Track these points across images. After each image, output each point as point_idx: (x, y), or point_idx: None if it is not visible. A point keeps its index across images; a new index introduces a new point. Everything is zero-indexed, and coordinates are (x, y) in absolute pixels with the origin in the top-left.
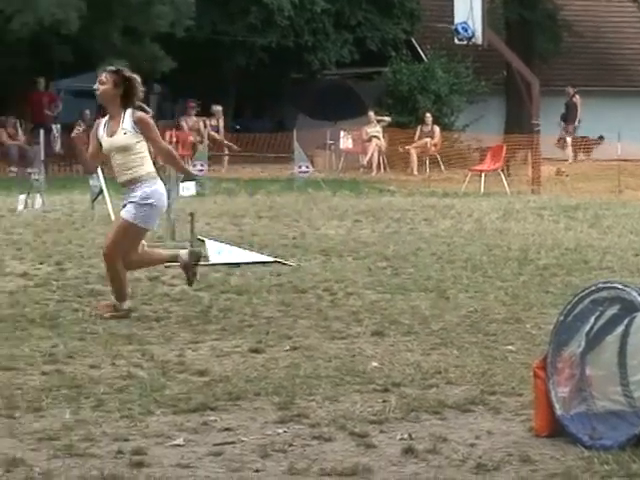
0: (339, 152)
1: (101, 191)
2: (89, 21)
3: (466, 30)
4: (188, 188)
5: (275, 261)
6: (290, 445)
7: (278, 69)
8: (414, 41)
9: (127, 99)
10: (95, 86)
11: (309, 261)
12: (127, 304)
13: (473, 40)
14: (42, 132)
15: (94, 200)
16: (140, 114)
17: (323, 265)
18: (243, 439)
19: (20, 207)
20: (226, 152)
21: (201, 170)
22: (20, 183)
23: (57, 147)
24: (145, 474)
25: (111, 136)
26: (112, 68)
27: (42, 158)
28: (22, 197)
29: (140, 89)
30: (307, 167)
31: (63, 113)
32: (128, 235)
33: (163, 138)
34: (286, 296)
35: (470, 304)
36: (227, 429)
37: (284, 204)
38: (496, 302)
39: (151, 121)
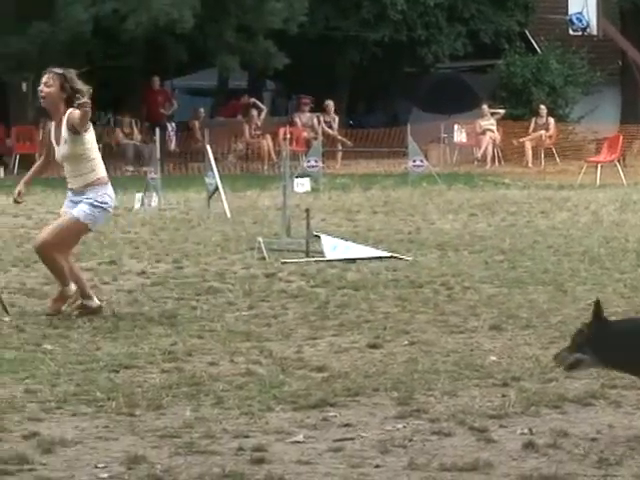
0: (453, 146)
1: (217, 188)
2: (203, 19)
3: (580, 21)
4: (302, 184)
5: (391, 256)
6: (410, 440)
7: (391, 63)
8: (528, 33)
9: (69, 103)
10: (40, 88)
11: (425, 255)
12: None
13: (588, 31)
14: (158, 131)
15: (210, 198)
16: (71, 112)
17: (439, 259)
18: (363, 435)
19: (137, 205)
20: (340, 148)
21: (315, 166)
22: (136, 182)
23: (172, 145)
24: (266, 470)
25: (58, 144)
26: (58, 70)
27: (158, 157)
28: (139, 196)
29: (85, 88)
30: (421, 161)
31: (178, 111)
32: (72, 232)
33: (276, 134)
34: (403, 291)
35: (588, 297)
36: (346, 425)
37: (399, 199)
38: (615, 295)
39: (78, 114)
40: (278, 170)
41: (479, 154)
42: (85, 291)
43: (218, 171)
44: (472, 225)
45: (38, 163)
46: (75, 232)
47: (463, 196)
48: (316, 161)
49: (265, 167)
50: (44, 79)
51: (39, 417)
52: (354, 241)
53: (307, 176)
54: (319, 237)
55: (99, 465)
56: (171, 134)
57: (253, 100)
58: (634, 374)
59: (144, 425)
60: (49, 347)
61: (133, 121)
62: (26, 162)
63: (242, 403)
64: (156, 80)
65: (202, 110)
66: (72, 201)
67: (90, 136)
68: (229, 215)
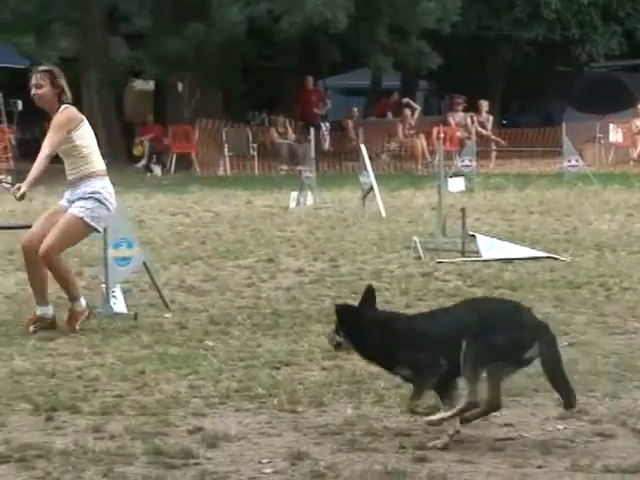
0: (609, 145)
1: (371, 188)
2: (356, 19)
3: None
4: (457, 184)
5: (548, 256)
6: (571, 442)
7: (544, 63)
8: None
9: (61, 98)
10: (32, 92)
11: (582, 256)
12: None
13: None
14: (312, 130)
15: (365, 197)
16: (58, 113)
17: (597, 260)
18: (524, 435)
19: (292, 204)
20: (494, 147)
21: (469, 166)
22: (291, 181)
23: (326, 144)
24: (428, 469)
25: None
26: (44, 67)
27: (312, 156)
28: (294, 194)
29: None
30: (577, 161)
31: (331, 111)
32: (75, 231)
33: (430, 134)
34: (560, 291)
35: None
36: (508, 425)
37: (554, 199)
38: None
39: (60, 119)
40: (432, 169)
41: (635, 154)
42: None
43: (372, 170)
44: (629, 226)
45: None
46: (77, 231)
47: (619, 196)
48: (470, 160)
49: (419, 166)
50: (33, 80)
51: (203, 412)
52: (510, 241)
53: (461, 175)
54: (475, 236)
55: (263, 460)
56: (325, 133)
57: (407, 100)
58: (379, 366)
59: (306, 422)
60: (211, 344)
61: (287, 121)
62: (182, 161)
63: (402, 402)
64: (309, 80)
65: (355, 109)
66: (68, 200)
67: (79, 133)
68: (384, 214)
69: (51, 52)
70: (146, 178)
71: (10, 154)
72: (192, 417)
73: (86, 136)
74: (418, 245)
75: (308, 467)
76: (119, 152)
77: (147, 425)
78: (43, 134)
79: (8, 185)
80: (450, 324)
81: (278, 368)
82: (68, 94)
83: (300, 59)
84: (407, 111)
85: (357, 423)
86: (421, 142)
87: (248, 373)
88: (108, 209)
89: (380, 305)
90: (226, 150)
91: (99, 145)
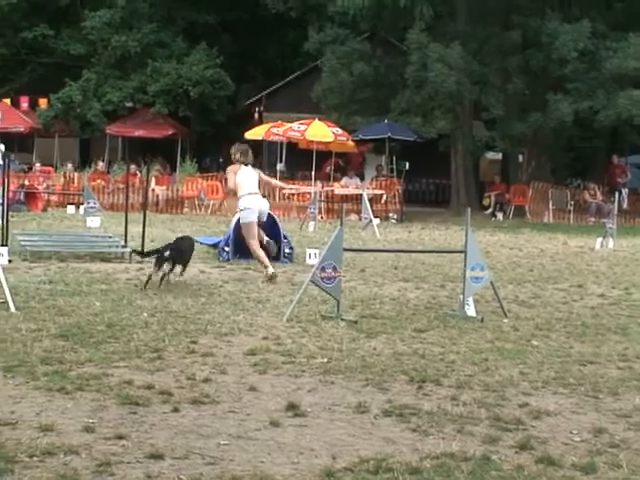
0: None
1: None
2: None
3: None
4: None
5: None
6: None
7: None
8: None
9: (239, 160)
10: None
11: None
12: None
13: None
14: (616, 194)
15: None
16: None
17: None
18: None
19: (597, 247)
20: None
21: None
22: (597, 229)
23: (625, 205)
24: None
25: None
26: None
27: (615, 212)
28: (599, 240)
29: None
30: None
31: (630, 180)
32: (245, 229)
33: None
34: None
35: None
36: None
37: None
38: None
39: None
40: None
41: None
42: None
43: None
44: None
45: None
46: (245, 229)
47: None
48: None
49: None
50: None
51: (529, 392)
52: None
53: None
54: None
55: (573, 431)
56: (624, 197)
57: None
58: None
59: (605, 406)
60: (536, 343)
61: (597, 186)
62: (518, 211)
63: None
64: (615, 157)
65: None
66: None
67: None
68: None
69: (431, 129)
70: (491, 222)
71: (397, 199)
72: (522, 395)
73: (240, 180)
74: None
75: (606, 439)
76: (473, 202)
77: (489, 398)
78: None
79: (394, 221)
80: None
81: (585, 365)
82: (241, 159)
83: (609, 141)
84: None
85: None
86: None
87: (563, 367)
88: (247, 211)
89: None
90: (550, 204)
91: None
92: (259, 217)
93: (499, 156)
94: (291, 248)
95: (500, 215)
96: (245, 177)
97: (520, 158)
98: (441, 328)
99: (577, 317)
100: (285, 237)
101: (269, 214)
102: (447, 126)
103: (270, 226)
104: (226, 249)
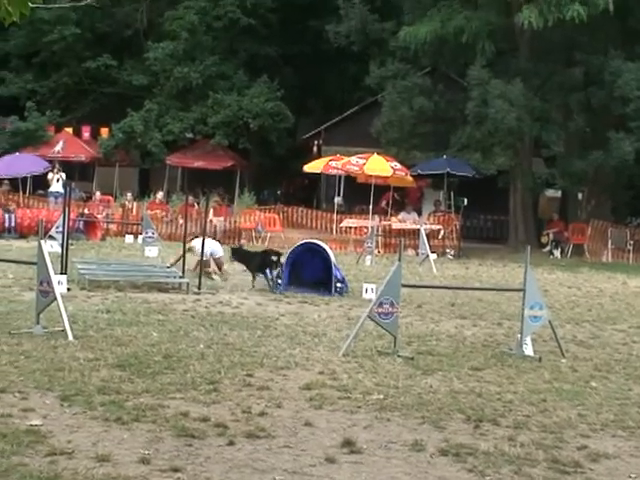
0: None
1: None
2: None
3: None
4: None
5: None
6: None
7: None
8: None
9: None
10: None
11: None
12: None
13: None
14: None
15: None
16: None
17: None
18: None
19: None
20: None
21: None
22: None
23: None
24: None
25: None
26: None
27: None
28: None
29: None
30: None
31: None
32: None
33: None
34: None
35: None
36: None
37: None
38: None
39: None
40: None
41: None
42: None
43: None
44: None
45: None
46: None
47: None
48: None
49: None
50: None
51: (588, 435)
52: None
53: None
54: None
55: (631, 475)
56: None
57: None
58: None
59: None
60: (594, 384)
61: None
62: (577, 249)
63: None
64: None
65: None
66: None
67: None
68: None
69: (491, 166)
70: (549, 260)
71: (455, 235)
72: (580, 437)
73: None
74: None
75: None
76: (532, 239)
77: (547, 439)
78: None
79: (451, 257)
80: None
81: None
82: None
83: None
84: None
85: None
86: None
87: (622, 409)
88: None
89: None
90: (609, 243)
91: None
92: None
93: (558, 194)
94: (343, 282)
95: (558, 253)
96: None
97: (580, 196)
98: (498, 367)
99: (637, 359)
100: (337, 270)
101: (322, 248)
102: (507, 162)
103: (322, 260)
104: (279, 281)
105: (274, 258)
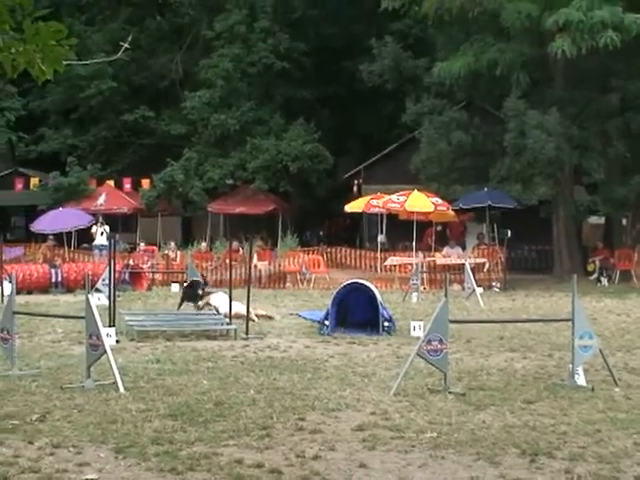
0: None
1: None
2: None
3: None
4: None
5: None
6: None
7: None
8: None
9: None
10: None
11: None
12: None
13: None
14: None
15: None
16: None
17: None
18: None
19: None
20: None
21: None
22: None
23: None
24: None
25: None
26: None
27: None
28: None
29: None
30: None
31: None
32: None
33: None
34: None
35: None
36: None
37: None
38: None
39: None
40: None
41: None
42: None
43: None
44: None
45: None
46: None
47: None
48: None
49: None
50: None
51: None
52: None
53: None
54: None
55: None
56: None
57: None
58: None
59: None
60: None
61: None
62: (624, 275)
63: None
64: None
65: None
66: None
67: None
68: None
69: (532, 196)
70: (596, 287)
71: (500, 267)
72: (637, 466)
73: None
74: None
75: None
76: (577, 267)
77: (604, 470)
78: None
79: (497, 290)
80: None
81: None
82: None
83: None
84: None
85: None
86: None
87: None
88: None
89: None
90: None
91: None
92: None
93: (602, 220)
94: (391, 321)
95: (605, 280)
96: None
97: (624, 222)
98: (551, 399)
99: None
100: (385, 309)
101: (368, 288)
102: (548, 192)
103: (369, 300)
104: (326, 323)
105: (199, 292)
